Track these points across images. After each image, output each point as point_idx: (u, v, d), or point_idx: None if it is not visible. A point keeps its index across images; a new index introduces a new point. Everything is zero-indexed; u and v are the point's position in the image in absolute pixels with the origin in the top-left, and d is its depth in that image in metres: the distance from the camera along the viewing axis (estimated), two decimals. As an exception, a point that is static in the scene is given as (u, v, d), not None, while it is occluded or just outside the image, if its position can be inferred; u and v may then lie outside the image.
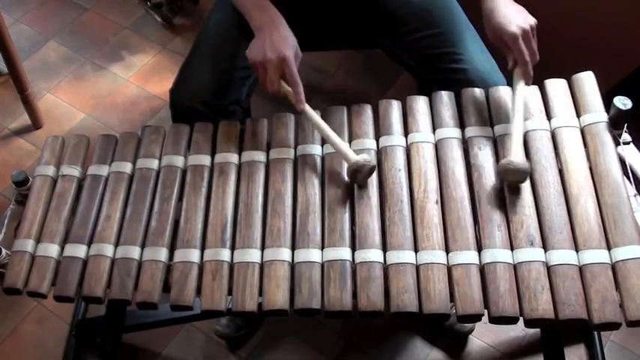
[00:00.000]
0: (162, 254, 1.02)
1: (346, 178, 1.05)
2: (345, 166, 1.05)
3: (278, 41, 1.08)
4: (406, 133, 1.11)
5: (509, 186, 1.01)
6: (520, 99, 1.07)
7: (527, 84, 1.08)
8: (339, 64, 2.00)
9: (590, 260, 0.93)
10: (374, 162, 1.03)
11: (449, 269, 0.95)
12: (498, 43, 1.11)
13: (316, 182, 1.06)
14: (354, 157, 1.03)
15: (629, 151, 1.04)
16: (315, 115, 1.09)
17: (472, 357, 1.47)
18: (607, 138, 1.04)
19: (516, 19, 1.07)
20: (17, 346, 1.54)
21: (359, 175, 1.02)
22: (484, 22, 1.13)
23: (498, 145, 1.07)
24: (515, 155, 1.00)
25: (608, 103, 1.06)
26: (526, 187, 1.01)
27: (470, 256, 0.96)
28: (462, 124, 1.11)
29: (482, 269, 0.95)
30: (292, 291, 0.96)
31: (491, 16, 1.10)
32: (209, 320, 1.51)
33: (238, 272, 0.98)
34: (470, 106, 1.12)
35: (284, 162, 1.09)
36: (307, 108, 1.09)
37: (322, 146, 1.11)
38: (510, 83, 1.11)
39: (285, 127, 1.13)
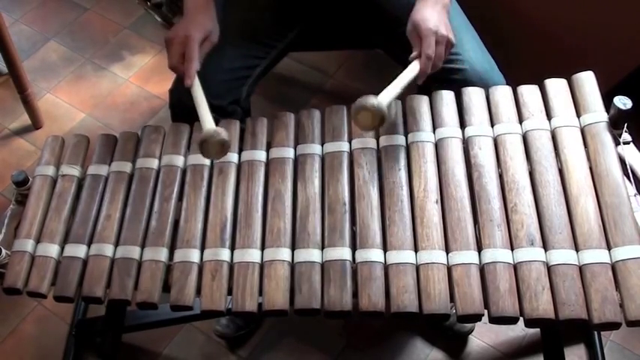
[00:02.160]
0: (162, 254, 1.02)
1: (345, 177, 1.05)
2: (363, 160, 1.05)
3: (191, 23, 1.15)
4: (406, 132, 1.11)
5: (363, 129, 1.04)
6: (411, 69, 1.08)
7: (419, 78, 1.09)
8: (339, 64, 2.00)
9: (590, 260, 0.93)
10: (224, 136, 1.02)
11: (449, 269, 0.95)
12: (412, 36, 1.13)
13: (316, 182, 1.06)
14: (206, 127, 1.03)
15: (629, 151, 1.04)
16: (197, 91, 1.11)
17: (472, 357, 1.47)
18: (607, 138, 1.04)
19: (440, 25, 1.10)
20: (17, 346, 1.54)
21: (205, 146, 1.02)
22: (410, 15, 1.14)
23: (498, 145, 1.07)
24: (380, 97, 1.01)
25: (608, 103, 1.06)
26: (526, 186, 1.01)
27: (470, 256, 0.96)
28: (462, 124, 1.11)
29: (482, 269, 0.95)
30: (292, 291, 0.96)
31: (419, 10, 1.13)
32: (209, 320, 1.51)
33: (238, 272, 0.98)
34: (470, 105, 1.12)
35: (284, 162, 1.09)
36: (195, 84, 1.11)
37: (322, 146, 1.11)
38: (508, 83, 1.11)
39: (285, 127, 1.13)
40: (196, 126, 1.16)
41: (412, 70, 1.09)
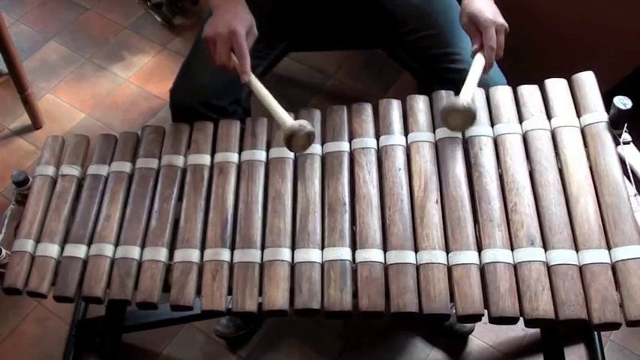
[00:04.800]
0: (162, 254, 1.02)
1: (345, 177, 1.05)
2: (364, 160, 1.05)
3: (230, 17, 1.10)
4: (406, 132, 1.11)
5: (453, 129, 1.04)
6: (478, 62, 1.09)
7: (485, 71, 1.10)
8: (339, 64, 2.00)
9: (590, 260, 0.93)
10: (310, 128, 1.02)
11: (449, 269, 0.95)
12: (470, 28, 1.13)
13: (316, 182, 1.06)
14: (289, 122, 1.02)
15: (629, 151, 1.04)
16: (258, 85, 1.09)
17: (472, 357, 1.47)
18: (607, 138, 1.04)
19: (494, 13, 1.11)
20: (17, 346, 1.54)
21: (293, 139, 1.02)
22: (461, 9, 1.15)
23: (498, 145, 1.07)
24: (463, 97, 1.02)
25: (608, 103, 1.06)
26: (526, 186, 1.01)
27: (470, 256, 0.96)
28: (462, 124, 1.11)
29: (482, 269, 0.95)
30: (292, 291, 0.96)
31: (470, 3, 1.12)
32: (209, 320, 1.51)
33: (238, 272, 0.98)
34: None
35: (284, 162, 1.09)
36: (252, 79, 1.09)
37: (322, 145, 1.11)
38: (508, 83, 1.11)
39: (285, 126, 1.13)
40: (196, 125, 1.16)
41: (479, 64, 1.09)
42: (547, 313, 0.90)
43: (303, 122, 1.02)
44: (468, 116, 1.03)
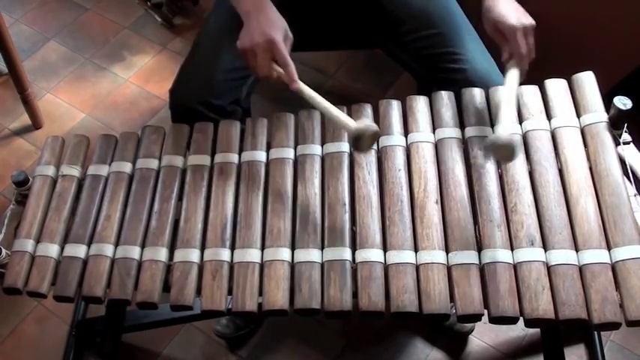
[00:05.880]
0: (162, 254, 1.02)
1: (345, 177, 1.05)
2: (363, 161, 1.04)
3: (265, 25, 1.06)
4: (406, 132, 1.11)
5: (498, 161, 1.01)
6: (512, 82, 1.07)
7: (521, 77, 1.09)
8: (339, 64, 2.00)
9: (590, 260, 0.93)
10: (375, 127, 1.00)
11: (449, 269, 0.95)
12: (495, 35, 1.12)
13: (316, 182, 1.06)
14: (354, 124, 1.00)
15: (629, 151, 1.04)
16: (310, 91, 1.07)
17: (472, 357, 1.47)
18: (607, 138, 1.04)
19: (517, 15, 1.09)
20: (17, 346, 1.54)
21: (361, 140, 0.99)
22: (483, 15, 1.14)
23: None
24: (503, 128, 1.00)
25: (608, 103, 1.06)
26: (526, 186, 1.01)
27: (470, 256, 0.96)
28: (461, 124, 1.11)
29: (482, 269, 0.95)
30: (292, 291, 0.96)
31: (492, 8, 1.11)
32: (209, 320, 1.51)
33: (238, 272, 0.98)
34: (470, 106, 1.12)
35: (284, 162, 1.09)
36: (302, 85, 1.06)
37: (322, 146, 1.11)
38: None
39: (285, 127, 1.13)
40: (196, 126, 1.16)
41: (513, 78, 1.07)
42: (547, 313, 0.90)
43: (367, 122, 1.00)
44: (511, 151, 0.97)
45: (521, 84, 1.12)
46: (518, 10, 1.11)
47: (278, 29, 1.06)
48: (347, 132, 1.02)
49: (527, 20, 1.09)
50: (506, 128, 1.01)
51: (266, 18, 1.07)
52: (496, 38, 1.12)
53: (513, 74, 1.09)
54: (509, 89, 1.07)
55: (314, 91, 1.06)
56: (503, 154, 0.97)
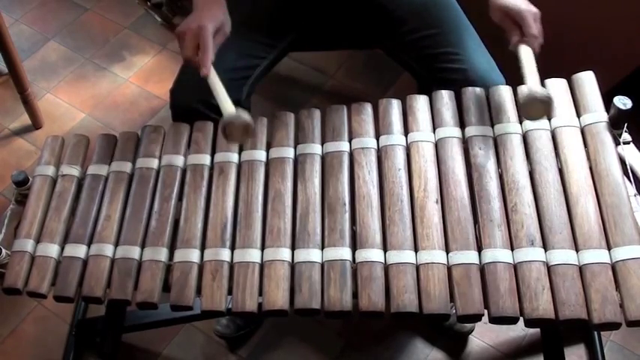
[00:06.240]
0: (162, 254, 1.02)
1: (345, 177, 1.05)
2: (364, 160, 1.05)
3: (204, 15, 1.12)
4: (406, 132, 1.11)
5: (529, 118, 1.02)
6: (527, 52, 1.08)
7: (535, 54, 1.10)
8: (339, 64, 2.00)
9: (590, 260, 0.93)
10: (247, 119, 1.02)
11: (449, 269, 0.95)
12: (505, 21, 1.13)
13: (316, 182, 1.06)
14: (228, 111, 1.03)
15: (629, 151, 1.04)
16: (215, 80, 1.09)
17: (472, 357, 1.47)
18: (607, 138, 1.04)
19: (527, 2, 1.11)
20: (17, 346, 1.54)
21: (228, 130, 1.02)
22: (490, 3, 1.14)
23: (499, 145, 1.07)
24: (536, 85, 1.00)
25: (608, 103, 1.06)
26: (526, 186, 1.01)
27: (470, 256, 0.96)
28: (462, 124, 1.11)
29: (482, 269, 0.95)
30: (292, 291, 0.96)
31: None
32: (209, 320, 1.51)
33: (238, 272, 0.98)
34: (470, 105, 1.12)
35: (284, 161, 1.09)
36: (212, 73, 1.09)
37: (322, 145, 1.11)
38: (508, 83, 1.10)
39: (285, 126, 1.13)
40: (196, 125, 1.16)
41: (529, 53, 1.08)
42: (547, 313, 0.90)
43: (241, 112, 1.03)
44: (549, 106, 1.00)
45: (521, 84, 1.12)
46: (525, 0, 1.13)
47: (213, 19, 1.12)
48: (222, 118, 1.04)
49: (535, 8, 1.11)
50: (538, 83, 1.01)
51: (207, 9, 1.14)
52: (505, 24, 1.13)
53: (526, 50, 1.09)
54: (527, 59, 1.07)
55: (218, 80, 1.09)
56: (538, 110, 0.99)
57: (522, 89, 1.02)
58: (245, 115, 1.03)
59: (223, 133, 1.04)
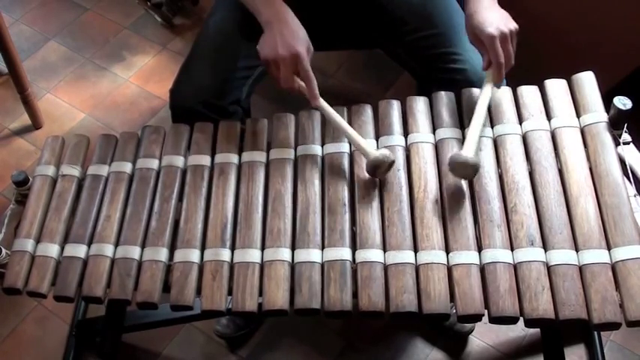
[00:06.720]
0: (162, 254, 1.02)
1: (346, 177, 1.05)
2: (363, 161, 1.04)
3: (289, 37, 1.07)
4: (406, 133, 1.11)
5: (460, 178, 1.02)
6: (485, 99, 1.07)
7: (496, 86, 1.09)
8: (339, 64, 2.00)
9: (590, 260, 0.93)
10: (393, 157, 1.03)
11: (449, 269, 0.95)
12: (476, 42, 1.11)
13: (316, 182, 1.06)
14: (373, 152, 1.03)
15: (629, 151, 1.04)
16: (331, 110, 1.08)
17: (472, 357, 1.47)
18: (607, 138, 1.04)
19: (497, 22, 1.07)
20: (17, 346, 1.54)
21: (378, 170, 1.02)
22: (465, 22, 1.13)
23: (498, 146, 1.07)
24: (467, 150, 1.00)
25: (608, 103, 1.06)
26: (526, 186, 1.01)
27: (470, 256, 0.96)
28: (461, 125, 1.11)
29: (482, 269, 0.95)
30: (292, 291, 0.96)
31: (472, 16, 1.11)
32: (209, 320, 1.51)
33: (238, 272, 0.98)
34: (470, 106, 1.12)
35: (284, 162, 1.09)
36: (322, 103, 1.08)
37: (322, 146, 1.11)
38: (508, 83, 1.11)
39: (286, 127, 1.14)
40: (197, 126, 1.16)
41: (485, 99, 1.07)
42: (547, 313, 0.90)
43: (385, 152, 1.02)
44: (473, 169, 1.00)
45: (521, 84, 1.12)
46: (501, 17, 1.09)
47: (301, 42, 1.07)
48: (365, 158, 1.04)
49: (508, 26, 1.07)
50: (471, 150, 1.01)
51: (289, 30, 1.08)
52: (478, 46, 1.12)
53: (486, 93, 1.08)
54: (481, 106, 1.06)
55: (335, 112, 1.08)
56: (463, 172, 1.00)
57: (459, 154, 1.00)
58: (391, 155, 1.03)
59: (370, 172, 1.03)
